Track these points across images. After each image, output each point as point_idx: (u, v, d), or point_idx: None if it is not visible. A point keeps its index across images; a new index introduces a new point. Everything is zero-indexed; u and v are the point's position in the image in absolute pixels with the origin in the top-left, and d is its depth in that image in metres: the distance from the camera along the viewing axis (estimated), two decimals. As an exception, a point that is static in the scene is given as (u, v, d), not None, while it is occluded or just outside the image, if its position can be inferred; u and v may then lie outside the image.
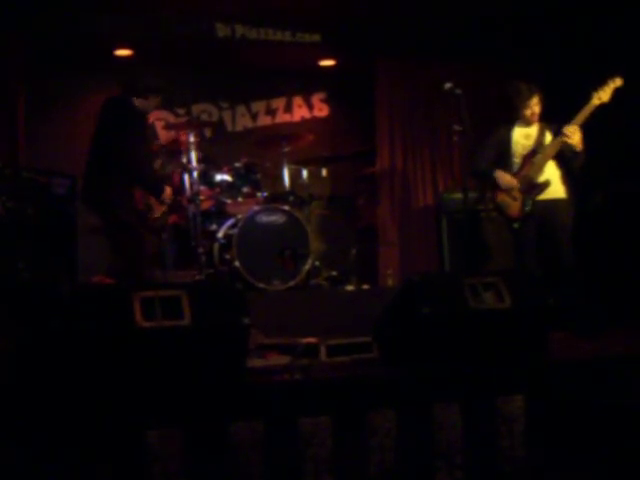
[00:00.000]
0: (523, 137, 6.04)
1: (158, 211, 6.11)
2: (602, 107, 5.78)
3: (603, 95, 5.75)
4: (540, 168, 5.90)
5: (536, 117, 6.02)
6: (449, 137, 7.28)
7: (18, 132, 7.47)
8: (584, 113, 5.77)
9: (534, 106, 5.99)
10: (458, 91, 5.73)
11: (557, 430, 3.75)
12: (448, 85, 5.76)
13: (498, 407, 3.63)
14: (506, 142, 6.08)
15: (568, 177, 5.97)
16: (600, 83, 5.78)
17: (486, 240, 7.25)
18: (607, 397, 3.88)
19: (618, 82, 5.78)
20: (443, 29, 8.01)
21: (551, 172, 5.93)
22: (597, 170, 6.78)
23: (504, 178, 6.01)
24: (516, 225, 5.95)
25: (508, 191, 5.97)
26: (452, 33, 8.06)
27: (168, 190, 6.31)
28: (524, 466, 3.62)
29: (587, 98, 5.79)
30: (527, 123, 6.04)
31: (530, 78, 6.10)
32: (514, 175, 5.97)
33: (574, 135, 5.75)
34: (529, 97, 5.97)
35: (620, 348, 4.72)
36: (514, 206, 5.95)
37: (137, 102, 6.09)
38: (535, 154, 5.93)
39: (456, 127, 5.78)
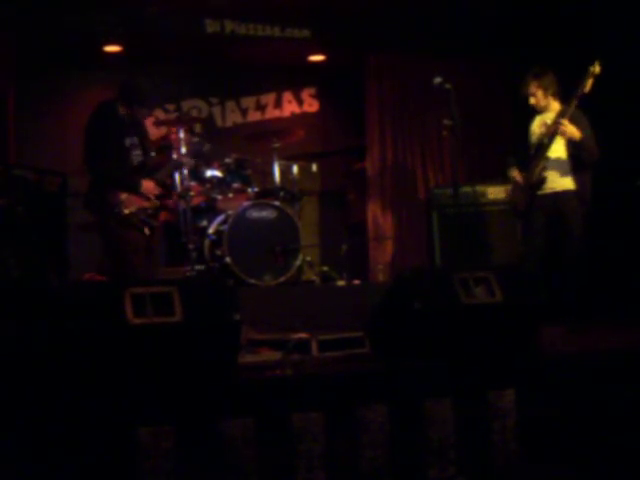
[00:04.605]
0: (538, 126, 6.09)
1: (130, 207, 6.05)
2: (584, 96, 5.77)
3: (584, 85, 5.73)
4: (542, 162, 5.89)
5: (540, 103, 6.03)
6: (439, 132, 7.31)
7: (8, 130, 7.44)
8: (569, 106, 5.76)
9: (531, 95, 6.02)
10: (448, 86, 5.73)
11: (548, 424, 3.77)
12: (438, 80, 5.77)
13: (490, 402, 3.64)
14: (528, 134, 6.13)
15: (578, 169, 5.93)
16: (581, 74, 5.74)
17: (477, 235, 7.25)
18: (598, 392, 3.89)
19: (597, 69, 5.69)
20: (433, 24, 8.00)
21: (558, 164, 5.92)
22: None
23: (512, 175, 6.12)
24: (522, 220, 6.03)
25: (519, 187, 6.03)
26: (442, 28, 8.06)
27: (147, 184, 6.23)
28: (516, 460, 3.63)
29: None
30: (540, 111, 6.08)
31: (516, 71, 6.12)
32: (528, 169, 5.99)
33: (567, 129, 5.74)
34: (525, 85, 6.03)
35: (612, 343, 4.74)
36: (521, 201, 6.01)
37: (122, 110, 6.16)
38: (540, 149, 5.93)
39: (446, 122, 5.79)
